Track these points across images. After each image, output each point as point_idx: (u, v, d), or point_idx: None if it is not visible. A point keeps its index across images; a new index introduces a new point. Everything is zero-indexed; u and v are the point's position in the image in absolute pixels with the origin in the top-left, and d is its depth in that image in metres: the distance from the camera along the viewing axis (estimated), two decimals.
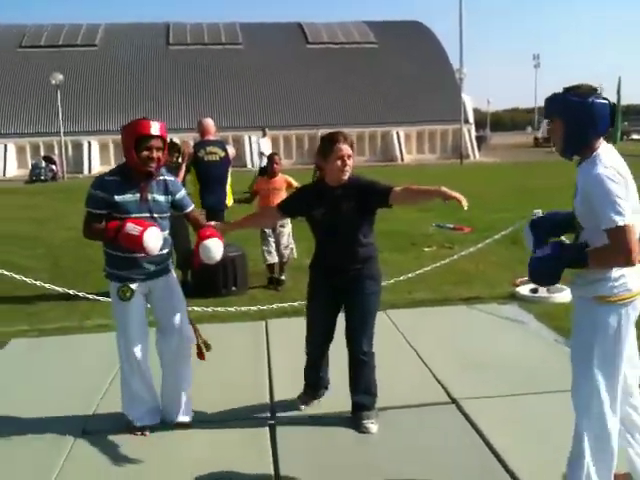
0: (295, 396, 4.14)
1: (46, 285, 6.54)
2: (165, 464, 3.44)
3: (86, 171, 35.49)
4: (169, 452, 3.57)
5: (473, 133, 41.45)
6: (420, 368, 4.65)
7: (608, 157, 2.63)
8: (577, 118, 2.63)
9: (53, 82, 33.37)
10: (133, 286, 3.59)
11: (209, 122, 7.27)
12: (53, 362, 4.98)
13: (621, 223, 2.49)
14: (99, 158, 36.60)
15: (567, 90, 2.68)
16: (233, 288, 7.18)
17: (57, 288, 6.48)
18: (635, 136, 53.90)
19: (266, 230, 7.46)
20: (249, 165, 35.64)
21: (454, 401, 4.05)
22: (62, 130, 33.54)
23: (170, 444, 3.66)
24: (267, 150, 18.53)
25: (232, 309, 6.36)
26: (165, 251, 3.69)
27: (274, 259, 7.49)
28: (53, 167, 32.50)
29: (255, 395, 4.27)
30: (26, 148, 36.35)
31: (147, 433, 3.74)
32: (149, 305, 3.80)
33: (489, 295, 6.70)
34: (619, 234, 2.49)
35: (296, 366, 4.76)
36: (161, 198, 3.62)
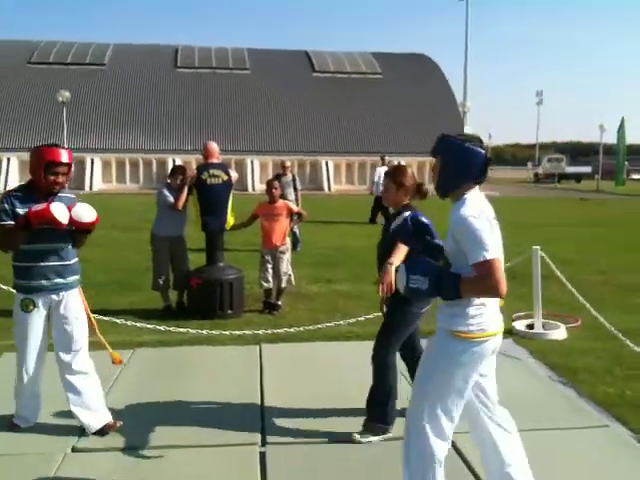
0: (286, 421, 4.11)
1: None
2: None
3: (87, 188, 35.57)
4: (158, 471, 3.53)
5: None
6: None
7: (475, 200, 2.82)
8: (453, 160, 2.86)
9: (60, 99, 33.69)
10: (35, 300, 3.84)
11: (214, 146, 7.33)
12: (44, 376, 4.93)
13: (488, 257, 2.66)
14: (101, 175, 36.73)
15: (454, 135, 2.93)
16: (229, 311, 7.16)
17: None
18: (635, 176, 54.23)
19: (265, 256, 7.48)
20: (249, 189, 35.80)
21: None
22: (66, 146, 33.65)
23: (158, 465, 3.62)
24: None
25: (227, 332, 6.35)
26: (69, 262, 3.92)
27: (270, 285, 7.49)
28: None
29: (246, 419, 4.24)
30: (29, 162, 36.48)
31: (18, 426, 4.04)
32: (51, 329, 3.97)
33: None
34: (486, 266, 2.65)
35: (288, 391, 4.76)
36: None
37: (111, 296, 8.06)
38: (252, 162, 37.92)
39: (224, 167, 7.39)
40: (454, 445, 3.85)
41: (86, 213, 3.78)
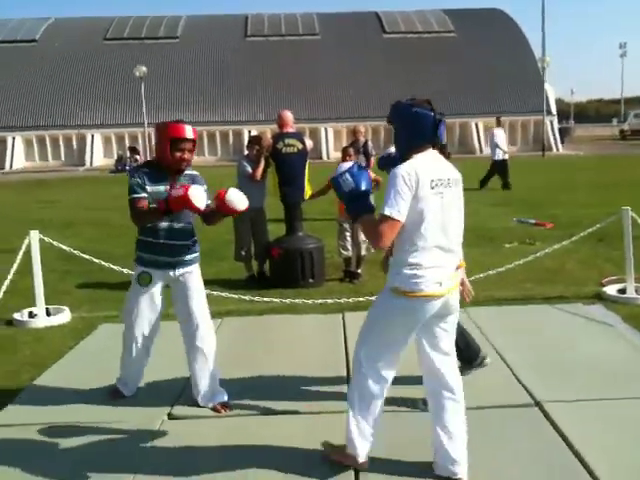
0: None
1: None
2: (250, 447, 3.53)
3: None
4: (255, 436, 3.65)
5: (556, 125, 40.10)
6: (501, 368, 4.56)
7: (417, 161, 2.97)
8: (404, 124, 3.05)
9: (137, 74, 34.49)
10: (153, 275, 3.92)
11: (288, 115, 7.33)
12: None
13: (386, 213, 2.88)
14: None
15: (404, 101, 3.09)
16: (310, 280, 7.25)
17: None
18: None
19: (343, 224, 7.49)
20: (324, 157, 35.79)
21: (537, 403, 3.97)
22: (146, 121, 34.62)
23: (247, 431, 3.74)
24: (502, 142, 16.70)
25: (309, 301, 6.43)
26: (189, 241, 3.97)
27: (349, 253, 7.51)
28: (137, 157, 33.64)
29: (332, 386, 4.31)
30: (112, 138, 37.74)
31: (125, 393, 4.22)
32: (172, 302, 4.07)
33: (574, 294, 6.49)
34: (381, 220, 2.90)
35: None
36: None
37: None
38: (326, 130, 37.81)
39: (299, 136, 7.40)
40: (546, 415, 3.79)
41: (240, 201, 3.74)
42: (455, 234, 3.08)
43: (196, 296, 3.99)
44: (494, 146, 16.73)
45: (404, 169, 2.92)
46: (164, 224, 3.85)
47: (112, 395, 4.21)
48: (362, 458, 3.23)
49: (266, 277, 7.57)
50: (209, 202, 3.89)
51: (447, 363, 3.19)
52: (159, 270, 3.93)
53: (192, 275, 4.00)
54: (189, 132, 3.82)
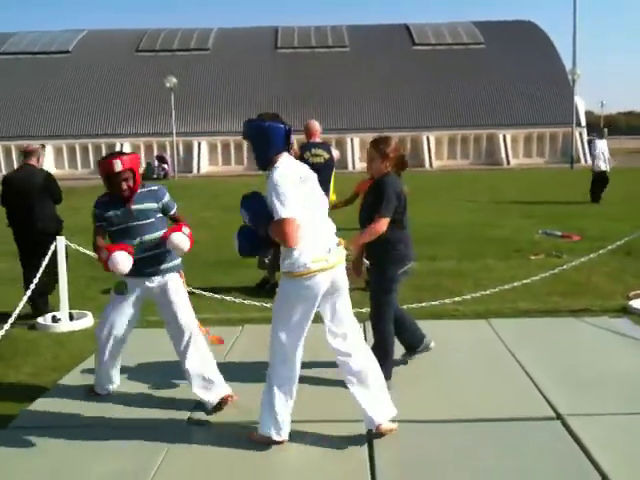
0: (392, 396, 4.11)
1: None
2: (265, 454, 3.51)
3: (195, 171, 36.89)
4: (265, 448, 3.64)
5: (585, 137, 39.66)
6: (523, 380, 4.49)
7: (282, 165, 3.39)
8: (258, 139, 3.42)
9: (167, 85, 34.96)
10: (129, 284, 4.13)
11: (316, 124, 7.34)
12: (158, 352, 5.17)
13: (283, 215, 3.24)
14: (207, 159, 37.96)
15: (255, 118, 3.47)
16: None
17: None
18: None
19: None
20: (350, 167, 35.82)
21: (559, 417, 3.89)
22: (174, 131, 35.04)
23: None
24: (606, 152, 16.27)
25: None
26: (160, 250, 4.13)
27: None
28: (165, 166, 34.04)
29: (350, 396, 4.27)
30: (140, 147, 38.24)
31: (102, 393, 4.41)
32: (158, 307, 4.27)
33: (600, 308, 6.38)
34: (282, 224, 3.25)
35: (394, 369, 4.75)
36: (149, 206, 4.16)
37: (219, 275, 8.34)
38: (352, 140, 37.90)
39: (326, 146, 7.41)
40: (568, 428, 3.72)
41: (183, 244, 4.05)
42: (323, 215, 3.53)
43: (179, 304, 4.17)
44: (596, 157, 16.20)
45: (280, 173, 3.32)
46: (135, 240, 4.09)
47: (89, 392, 4.43)
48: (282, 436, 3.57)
49: (275, 287, 7.53)
50: (173, 211, 4.31)
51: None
52: (136, 279, 4.12)
53: (171, 283, 4.18)
54: (117, 166, 4.01)
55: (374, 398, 3.63)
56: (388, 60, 40.80)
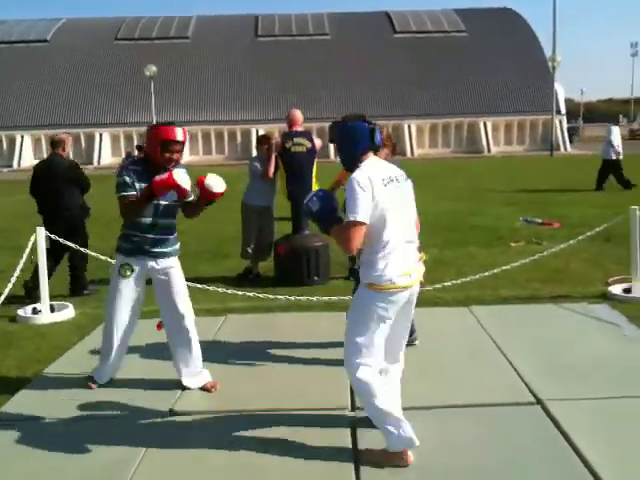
0: None
1: None
2: (251, 444, 3.53)
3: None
4: (256, 433, 3.66)
5: (565, 124, 39.95)
6: (504, 366, 4.55)
7: (366, 166, 3.24)
8: (342, 139, 3.35)
9: (147, 74, 34.66)
10: (134, 266, 4.08)
11: (298, 113, 7.34)
12: (144, 343, 5.16)
13: (351, 218, 3.11)
14: (188, 148, 37.65)
15: (340, 119, 3.39)
16: (316, 278, 7.25)
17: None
18: None
19: None
20: (332, 156, 35.78)
21: (539, 402, 3.94)
22: (155, 120, 34.73)
23: (249, 429, 3.74)
24: (618, 141, 15.87)
25: (314, 299, 6.42)
26: (171, 236, 4.15)
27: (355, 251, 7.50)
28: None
29: (336, 384, 4.31)
30: (120, 137, 37.90)
31: (94, 386, 4.33)
32: (154, 292, 4.25)
33: (579, 294, 6.46)
34: (347, 227, 3.13)
35: None
36: None
37: (201, 265, 8.32)
38: None
39: (308, 135, 7.41)
40: (548, 412, 3.78)
41: (218, 183, 3.94)
42: (412, 226, 3.37)
43: (179, 287, 4.19)
44: (608, 144, 15.82)
45: (360, 177, 3.17)
46: (148, 219, 4.01)
47: (88, 385, 4.32)
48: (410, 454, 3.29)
49: (258, 276, 7.56)
50: (193, 197, 4.15)
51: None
52: (141, 261, 4.08)
53: (173, 268, 4.17)
54: (180, 134, 3.96)
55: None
56: (369, 48, 40.72)
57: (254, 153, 7.62)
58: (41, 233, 6.19)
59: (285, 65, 39.98)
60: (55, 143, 7.01)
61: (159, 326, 4.32)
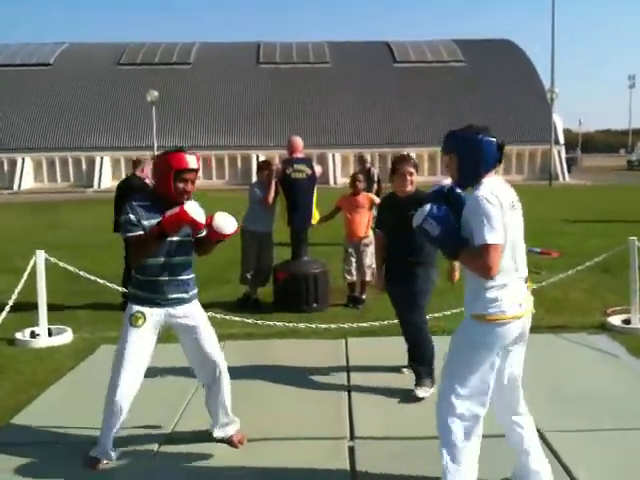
0: (375, 415, 4.12)
1: None
2: (246, 471, 3.49)
3: None
4: (252, 461, 3.62)
5: (563, 154, 40.22)
6: None
7: (491, 184, 2.96)
8: (468, 153, 2.99)
9: (149, 99, 34.90)
10: (147, 314, 3.57)
11: (298, 140, 7.39)
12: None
13: (490, 241, 2.82)
14: None
15: (462, 129, 3.05)
16: (314, 304, 7.24)
17: None
18: None
19: (348, 249, 7.50)
20: (331, 182, 35.91)
21: (539, 433, 3.91)
22: (155, 144, 34.93)
23: (246, 457, 3.71)
24: None
25: (313, 326, 6.41)
26: (189, 276, 3.70)
27: (354, 278, 7.52)
28: (146, 180, 33.87)
29: (334, 413, 4.28)
30: (120, 161, 38.04)
31: (101, 467, 3.62)
32: (180, 342, 3.80)
33: (578, 324, 6.45)
34: (486, 251, 2.83)
35: (375, 385, 4.76)
36: None
37: (202, 290, 8.24)
38: (334, 156, 38.05)
39: (308, 161, 7.45)
40: (548, 445, 3.75)
41: (227, 223, 3.55)
42: (524, 254, 3.09)
43: (206, 333, 3.73)
44: None
45: (487, 194, 2.88)
46: (162, 259, 3.55)
47: (91, 467, 3.62)
48: None
49: (257, 302, 7.54)
50: (204, 232, 3.66)
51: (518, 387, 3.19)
52: (157, 308, 3.60)
53: (195, 311, 3.74)
54: (193, 162, 3.52)
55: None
56: (369, 77, 41.13)
57: (254, 178, 7.65)
58: (41, 256, 6.18)
59: (286, 92, 40.34)
60: (134, 163, 7.56)
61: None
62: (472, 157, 2.98)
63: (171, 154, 3.54)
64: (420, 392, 4.49)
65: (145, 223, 3.49)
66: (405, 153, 4.80)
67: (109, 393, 3.62)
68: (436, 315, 6.46)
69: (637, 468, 3.48)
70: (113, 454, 3.66)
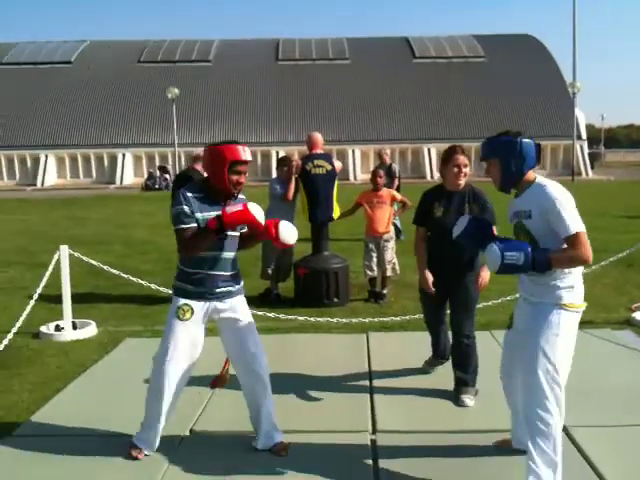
0: (396, 409, 4.12)
1: (160, 288, 6.89)
2: (269, 465, 3.51)
3: None
4: (270, 455, 3.64)
5: (586, 150, 39.77)
6: None
7: (545, 180, 3.13)
8: (511, 156, 3.14)
9: (169, 96, 35.14)
10: (195, 307, 3.51)
11: (318, 136, 7.39)
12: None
13: (579, 229, 2.97)
14: None
15: (499, 134, 3.21)
16: (335, 299, 7.24)
17: (170, 291, 6.77)
18: None
19: (369, 244, 7.50)
20: (351, 178, 35.88)
21: (563, 428, 3.88)
22: (176, 142, 35.14)
23: (267, 451, 3.72)
24: None
25: (334, 320, 6.42)
26: (235, 271, 3.63)
27: (374, 273, 7.51)
28: (167, 176, 34.12)
29: (356, 406, 4.29)
30: (142, 158, 38.34)
31: (141, 456, 3.63)
32: (222, 340, 3.72)
33: (603, 320, 6.39)
34: (579, 239, 2.96)
35: (396, 379, 4.76)
36: None
37: None
38: (353, 151, 38.00)
39: (328, 157, 7.45)
40: (572, 440, 3.72)
41: (292, 236, 3.51)
42: None
43: (249, 328, 3.66)
44: None
45: (559, 191, 3.05)
46: (211, 253, 3.48)
47: (129, 454, 3.63)
48: None
49: (278, 297, 7.57)
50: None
51: None
52: (204, 302, 3.53)
53: (241, 307, 3.66)
54: (247, 154, 3.50)
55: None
56: (388, 73, 41.00)
57: (274, 175, 7.66)
58: (64, 251, 6.26)
59: (305, 88, 40.36)
60: (194, 158, 7.56)
61: (214, 384, 3.90)
62: (515, 160, 3.14)
63: (225, 146, 3.50)
64: (468, 400, 4.33)
65: (198, 215, 3.44)
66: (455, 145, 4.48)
67: (153, 392, 3.59)
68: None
69: None
70: (154, 444, 3.65)
